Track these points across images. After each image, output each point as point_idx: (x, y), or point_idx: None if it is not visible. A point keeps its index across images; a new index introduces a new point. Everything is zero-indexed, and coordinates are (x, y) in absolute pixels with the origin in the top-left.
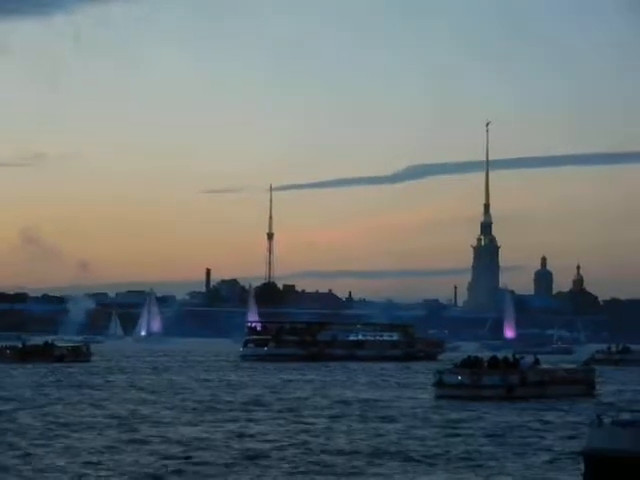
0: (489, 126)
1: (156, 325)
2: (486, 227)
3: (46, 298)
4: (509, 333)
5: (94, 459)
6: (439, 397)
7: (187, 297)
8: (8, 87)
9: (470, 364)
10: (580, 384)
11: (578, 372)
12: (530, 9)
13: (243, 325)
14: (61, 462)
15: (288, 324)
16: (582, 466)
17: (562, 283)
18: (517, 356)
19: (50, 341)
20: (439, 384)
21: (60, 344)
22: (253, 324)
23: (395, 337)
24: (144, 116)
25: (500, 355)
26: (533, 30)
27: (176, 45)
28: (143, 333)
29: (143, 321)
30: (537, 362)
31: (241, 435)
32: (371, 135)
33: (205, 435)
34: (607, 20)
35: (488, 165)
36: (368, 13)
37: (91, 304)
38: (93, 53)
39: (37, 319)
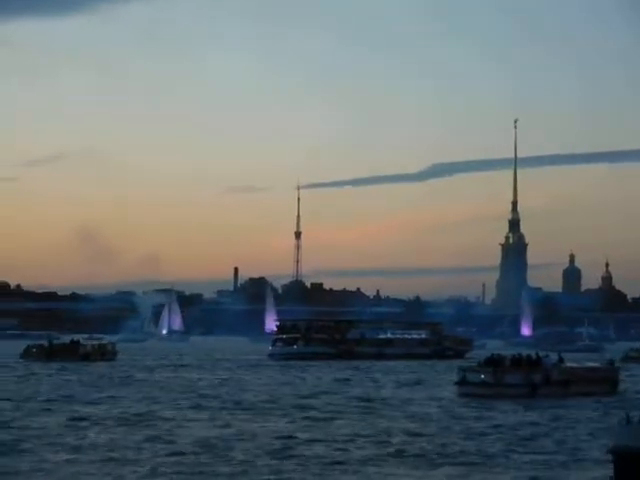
0: (517, 123)
1: (177, 323)
2: (514, 225)
3: (74, 296)
4: (526, 331)
5: None
6: (462, 395)
7: (215, 295)
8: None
9: (493, 362)
10: (604, 383)
11: (602, 370)
12: (557, 9)
13: (261, 324)
14: None
15: (317, 322)
16: (611, 464)
17: (591, 280)
18: (540, 354)
19: (76, 339)
20: (462, 382)
21: (86, 342)
22: (282, 322)
23: (423, 335)
24: (173, 115)
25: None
26: (559, 30)
27: (209, 45)
28: (164, 331)
29: (164, 319)
30: (561, 360)
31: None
32: (397, 133)
33: None
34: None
35: (516, 162)
36: (393, 12)
37: (161, 299)
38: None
39: (66, 318)
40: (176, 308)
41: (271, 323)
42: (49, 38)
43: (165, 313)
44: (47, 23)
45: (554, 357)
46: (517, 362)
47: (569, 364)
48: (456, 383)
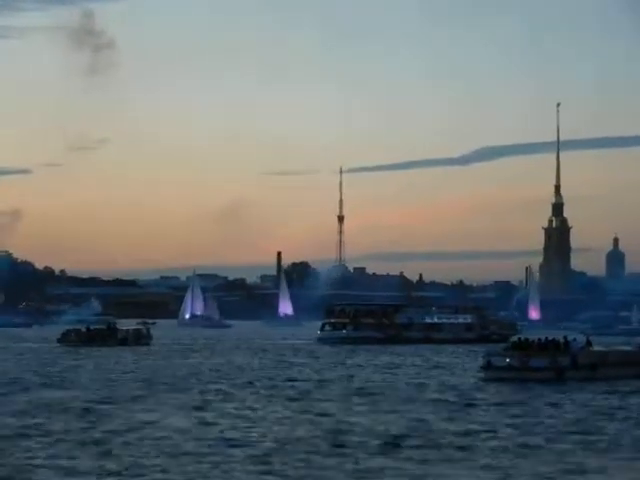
0: (559, 107)
1: (199, 308)
2: (557, 208)
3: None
4: (534, 314)
5: None
6: (486, 380)
7: (258, 280)
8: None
9: (520, 346)
10: (634, 366)
11: (632, 354)
12: None
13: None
14: None
15: (365, 306)
16: None
17: (635, 264)
18: (568, 338)
19: (113, 324)
20: (487, 367)
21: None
22: (330, 306)
23: (469, 319)
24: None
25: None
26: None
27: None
28: (187, 316)
29: (187, 304)
30: (589, 344)
31: None
32: (440, 117)
33: None
34: None
35: (559, 146)
36: None
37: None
38: None
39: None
40: (198, 292)
41: (284, 307)
42: None
43: (188, 297)
44: None
45: (581, 340)
46: (544, 346)
47: (597, 348)
48: (481, 368)
